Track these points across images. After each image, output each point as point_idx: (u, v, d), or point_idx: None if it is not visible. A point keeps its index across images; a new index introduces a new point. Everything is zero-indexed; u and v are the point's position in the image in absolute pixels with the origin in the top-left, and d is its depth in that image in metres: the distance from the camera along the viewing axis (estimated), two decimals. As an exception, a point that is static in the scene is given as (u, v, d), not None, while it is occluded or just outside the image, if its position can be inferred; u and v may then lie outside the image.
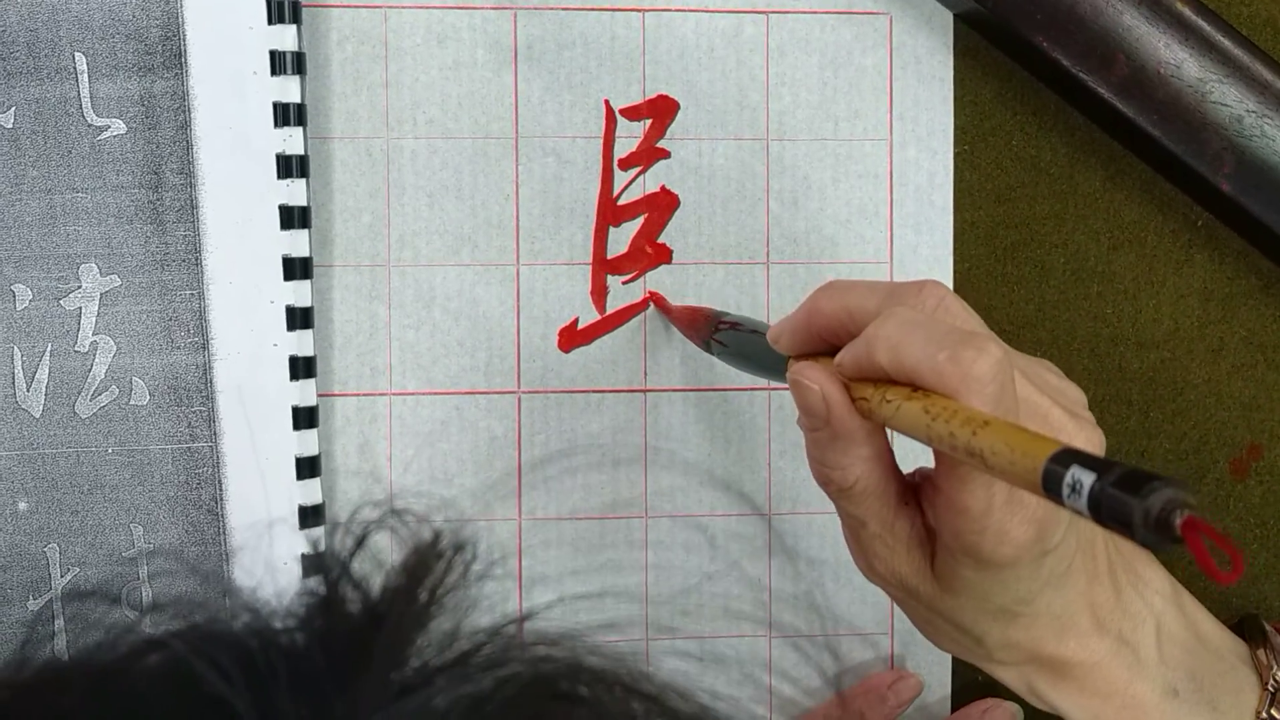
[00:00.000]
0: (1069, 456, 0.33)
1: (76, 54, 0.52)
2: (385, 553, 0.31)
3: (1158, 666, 0.48)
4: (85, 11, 0.52)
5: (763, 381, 0.57)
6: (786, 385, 0.45)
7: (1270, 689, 0.50)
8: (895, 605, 0.49)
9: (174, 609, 0.30)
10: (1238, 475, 0.59)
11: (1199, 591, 0.51)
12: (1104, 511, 0.31)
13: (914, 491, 0.45)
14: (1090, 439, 0.43)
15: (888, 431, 0.43)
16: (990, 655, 0.47)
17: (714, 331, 0.52)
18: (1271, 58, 0.55)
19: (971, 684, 0.60)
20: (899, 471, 0.44)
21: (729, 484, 0.58)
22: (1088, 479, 0.32)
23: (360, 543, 0.31)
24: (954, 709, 0.59)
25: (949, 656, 0.59)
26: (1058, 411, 0.43)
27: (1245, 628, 0.54)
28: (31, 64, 0.52)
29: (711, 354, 0.52)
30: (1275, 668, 0.51)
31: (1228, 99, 0.55)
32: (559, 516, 0.57)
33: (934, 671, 0.59)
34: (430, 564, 0.30)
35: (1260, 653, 0.52)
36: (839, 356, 0.42)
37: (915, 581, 0.45)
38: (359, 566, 0.30)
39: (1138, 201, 0.59)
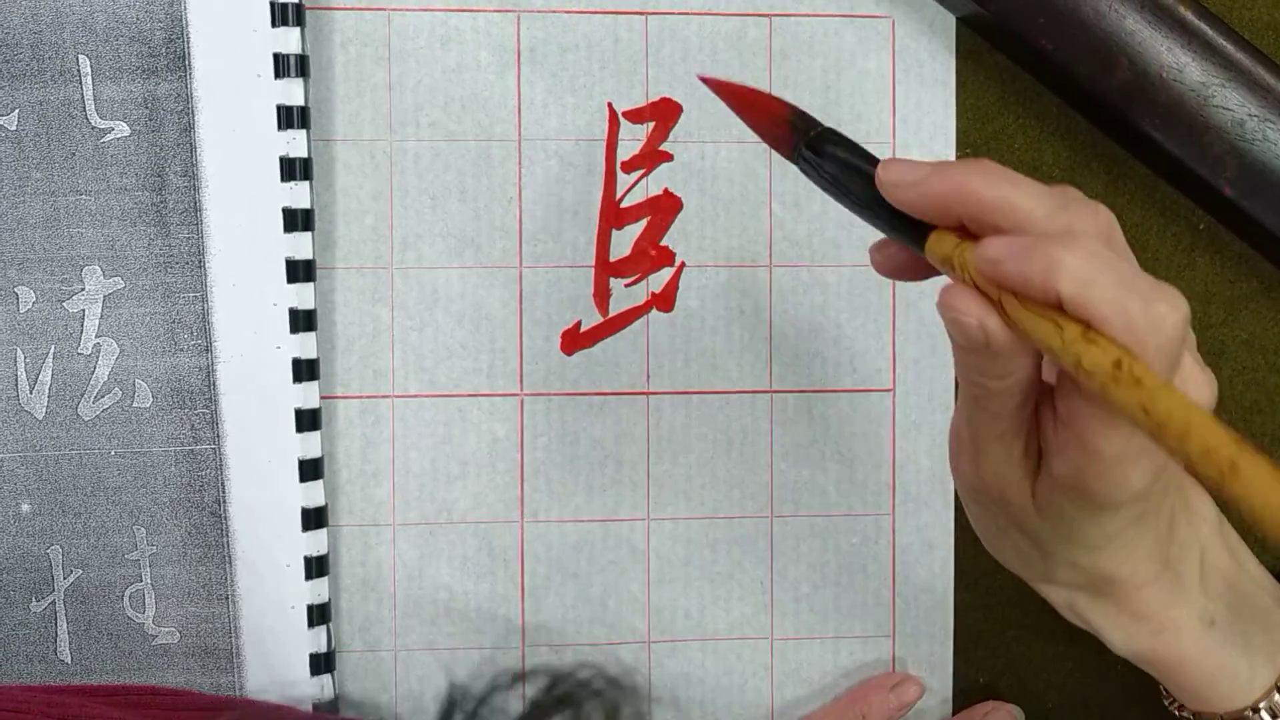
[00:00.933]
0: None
1: (80, 56, 0.52)
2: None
3: (1198, 594, 0.48)
4: (89, 14, 0.52)
5: (765, 384, 0.58)
6: (881, 231, 0.42)
7: None
8: (970, 506, 0.48)
9: None
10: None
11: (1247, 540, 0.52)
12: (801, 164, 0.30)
13: (1037, 407, 0.43)
14: (1210, 383, 0.42)
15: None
16: (1048, 573, 0.47)
17: (799, 136, 0.44)
18: (1274, 62, 0.55)
19: (973, 686, 0.60)
20: (1041, 378, 0.43)
21: (731, 486, 0.58)
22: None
23: (495, 689, 0.30)
24: (955, 711, 0.60)
25: (950, 660, 0.59)
26: (1189, 358, 0.41)
27: None
28: (35, 66, 0.52)
29: (796, 164, 0.45)
30: None
31: (1230, 103, 0.55)
32: (561, 519, 0.57)
33: (935, 674, 0.59)
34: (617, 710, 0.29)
35: None
36: (993, 252, 0.38)
37: (1013, 494, 0.44)
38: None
39: (1140, 205, 0.59)
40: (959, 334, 0.40)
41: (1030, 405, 0.43)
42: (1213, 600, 0.49)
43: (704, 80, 0.47)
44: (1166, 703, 0.54)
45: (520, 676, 0.30)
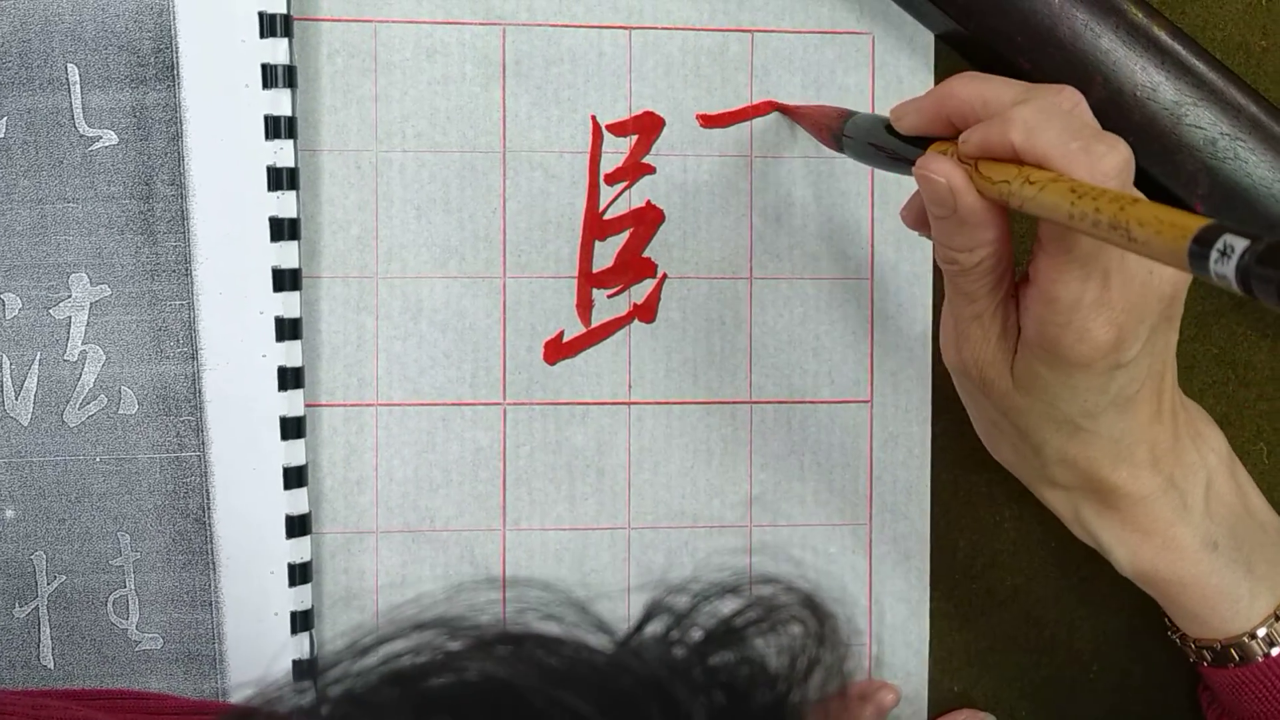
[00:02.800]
0: (1219, 229, 0.34)
1: (69, 65, 0.53)
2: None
3: (1202, 517, 0.50)
4: (78, 23, 0.52)
5: (745, 395, 0.58)
6: (909, 175, 0.46)
7: None
8: (965, 399, 0.51)
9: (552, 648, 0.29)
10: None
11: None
12: (1253, 277, 0.33)
13: (1014, 290, 0.47)
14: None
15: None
16: (1044, 469, 0.50)
17: (843, 124, 0.52)
18: (1245, 82, 0.56)
19: (948, 694, 0.60)
20: (1012, 261, 0.46)
21: (711, 496, 0.58)
22: (1239, 245, 0.33)
23: (701, 604, 0.30)
24: (930, 719, 0.60)
25: (925, 668, 0.60)
26: None
27: None
28: (24, 75, 0.52)
29: (842, 151, 0.53)
30: None
31: (1202, 122, 0.56)
32: (543, 527, 0.58)
33: (910, 682, 0.60)
34: (825, 639, 0.30)
35: None
36: (966, 134, 0.44)
37: (994, 373, 0.47)
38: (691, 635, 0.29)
39: (1114, 221, 0.60)
40: (929, 192, 0.45)
41: (1003, 288, 0.46)
42: (1216, 525, 0.50)
43: (776, 106, 0.58)
44: (1170, 633, 0.55)
45: (730, 589, 0.31)
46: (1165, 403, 0.49)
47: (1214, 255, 0.34)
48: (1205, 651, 0.53)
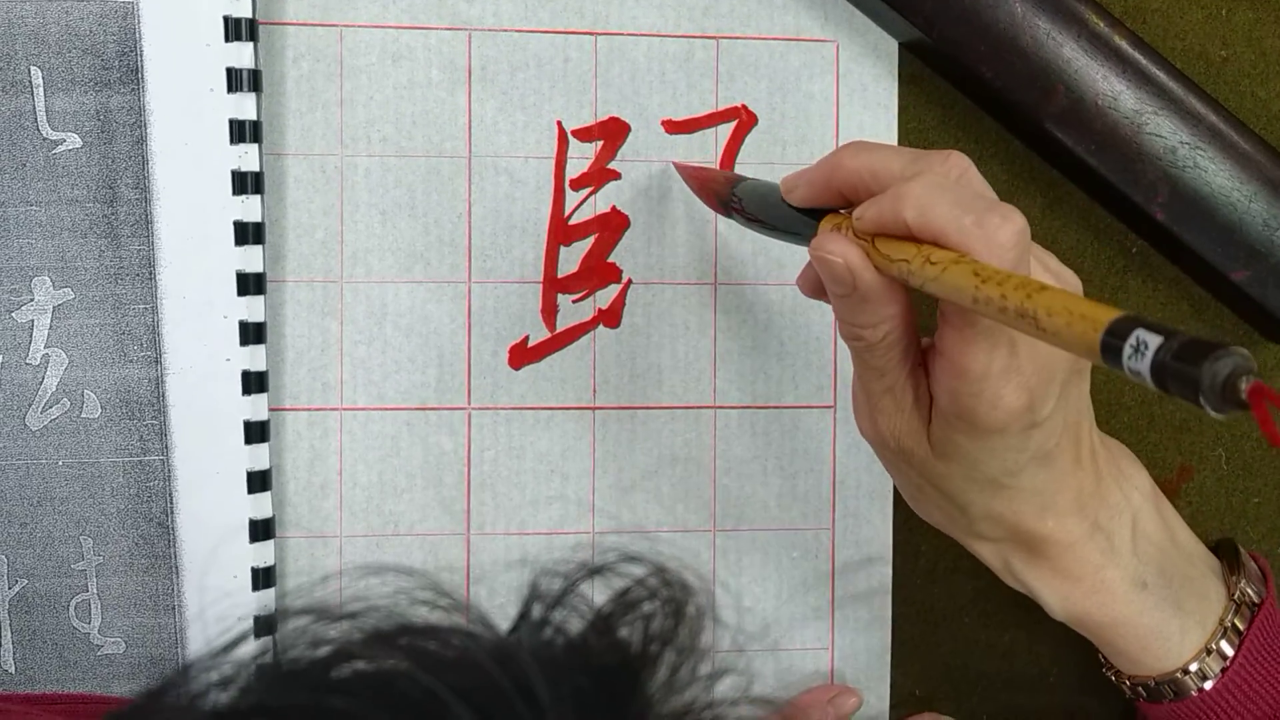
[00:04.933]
0: (1132, 322, 0.34)
1: (32, 68, 0.52)
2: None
3: (1130, 557, 0.50)
4: (41, 26, 0.52)
5: (709, 400, 0.58)
6: (804, 246, 0.46)
7: (1236, 600, 0.53)
8: (887, 467, 0.51)
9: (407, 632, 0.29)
10: (1169, 496, 0.61)
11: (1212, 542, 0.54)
12: (1169, 376, 0.32)
13: (922, 358, 0.47)
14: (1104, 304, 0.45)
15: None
16: (972, 526, 0.50)
17: (731, 191, 0.52)
18: (1205, 91, 0.57)
19: (910, 698, 0.61)
20: (917, 333, 0.47)
21: (675, 501, 0.59)
22: (1153, 341, 0.33)
23: (571, 587, 0.30)
24: (892, 722, 0.61)
25: (887, 672, 0.60)
26: (1039, 269, 0.46)
27: (1220, 550, 0.56)
28: (-13, 77, 0.52)
29: (730, 218, 0.53)
30: (1243, 583, 0.54)
31: (1162, 130, 0.56)
32: (506, 532, 0.58)
33: (872, 686, 0.60)
34: (681, 613, 0.30)
35: (1231, 572, 0.54)
36: (859, 211, 0.44)
37: (911, 443, 0.47)
38: (558, 615, 0.29)
39: (1075, 228, 0.60)
40: (827, 274, 0.44)
41: (910, 358, 0.46)
42: (1145, 564, 0.51)
43: (674, 163, 0.58)
44: (1104, 670, 0.55)
45: (595, 571, 0.31)
46: (1084, 448, 0.49)
47: (1127, 351, 0.33)
48: (1140, 688, 0.53)
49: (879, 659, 0.60)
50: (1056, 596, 0.51)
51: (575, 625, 0.29)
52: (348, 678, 0.27)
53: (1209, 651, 0.52)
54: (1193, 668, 0.52)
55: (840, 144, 0.59)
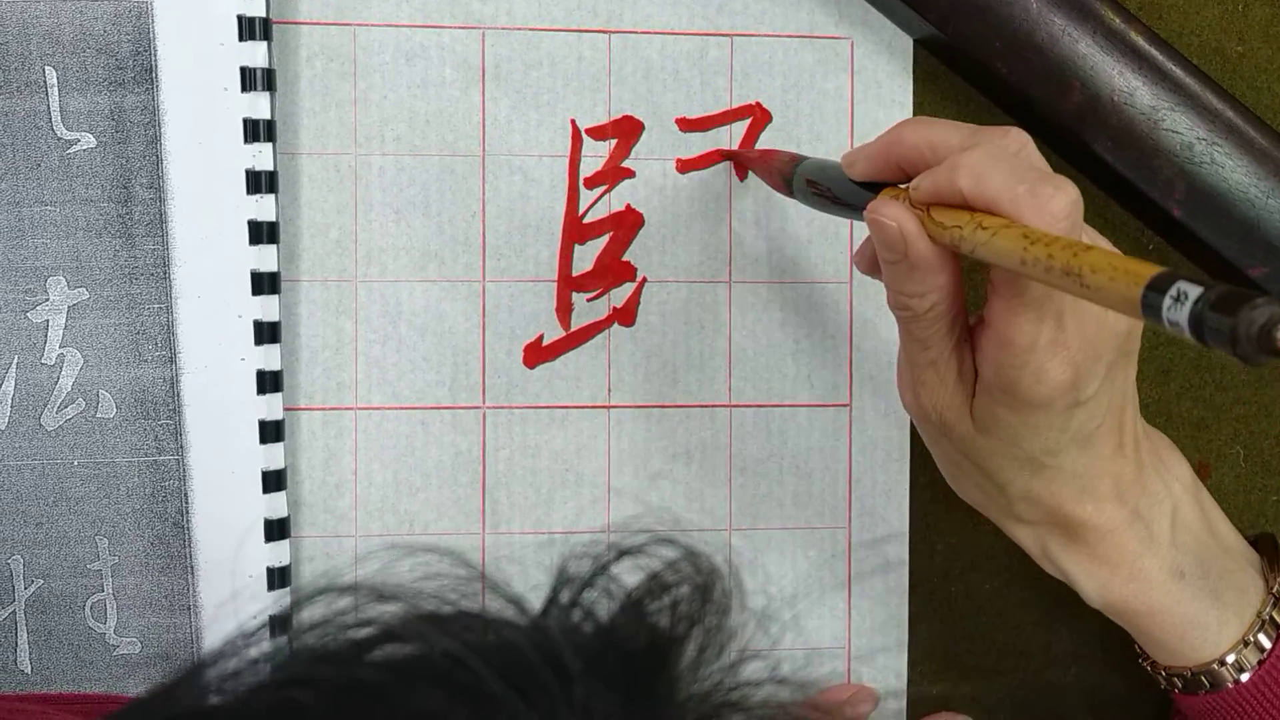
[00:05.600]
0: (1172, 276, 0.34)
1: (47, 68, 0.52)
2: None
3: (1168, 547, 0.50)
4: (56, 26, 0.52)
5: (724, 399, 0.58)
6: (862, 221, 0.46)
7: (1275, 594, 0.53)
8: (927, 443, 0.52)
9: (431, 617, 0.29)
10: (1200, 476, 0.61)
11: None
12: (1206, 326, 0.33)
13: (969, 333, 0.47)
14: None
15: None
16: (1010, 507, 0.50)
17: (794, 169, 0.53)
18: (1221, 87, 0.57)
19: (927, 697, 0.61)
20: (964, 307, 0.47)
21: (690, 499, 0.58)
22: (1192, 293, 0.33)
23: (602, 569, 0.30)
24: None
25: (904, 672, 0.60)
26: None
27: (1259, 544, 0.55)
28: (1, 77, 0.52)
29: (792, 196, 0.53)
30: None
31: (1179, 126, 0.56)
32: (522, 531, 0.58)
33: (889, 685, 0.60)
34: (709, 594, 0.30)
35: (1271, 566, 0.54)
36: (916, 181, 0.44)
37: (953, 417, 0.48)
38: (589, 595, 0.30)
39: (1091, 225, 0.60)
40: (880, 237, 0.45)
41: (956, 332, 0.47)
42: (1183, 554, 0.51)
43: (726, 155, 0.58)
44: (1140, 661, 0.55)
45: (623, 553, 0.31)
46: (1127, 435, 0.49)
47: (1167, 302, 0.34)
48: (1176, 679, 0.53)
49: (896, 657, 0.60)
50: (1093, 583, 0.51)
51: (605, 607, 0.29)
52: (382, 657, 0.27)
53: (1246, 644, 0.51)
54: (1229, 659, 0.51)
55: (855, 142, 0.59)
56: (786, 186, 0.53)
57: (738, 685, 0.28)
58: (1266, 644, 0.51)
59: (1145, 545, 0.50)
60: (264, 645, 0.29)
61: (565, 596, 0.29)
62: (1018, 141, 0.45)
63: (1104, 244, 0.48)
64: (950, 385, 0.47)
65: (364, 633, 0.28)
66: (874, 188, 0.47)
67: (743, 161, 0.58)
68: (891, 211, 0.44)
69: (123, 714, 0.28)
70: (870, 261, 0.48)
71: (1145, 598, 0.50)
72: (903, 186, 0.46)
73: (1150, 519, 0.50)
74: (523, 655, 0.26)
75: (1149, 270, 0.35)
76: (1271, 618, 0.52)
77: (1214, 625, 0.51)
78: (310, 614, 0.29)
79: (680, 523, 0.58)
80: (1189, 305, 0.33)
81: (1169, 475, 0.51)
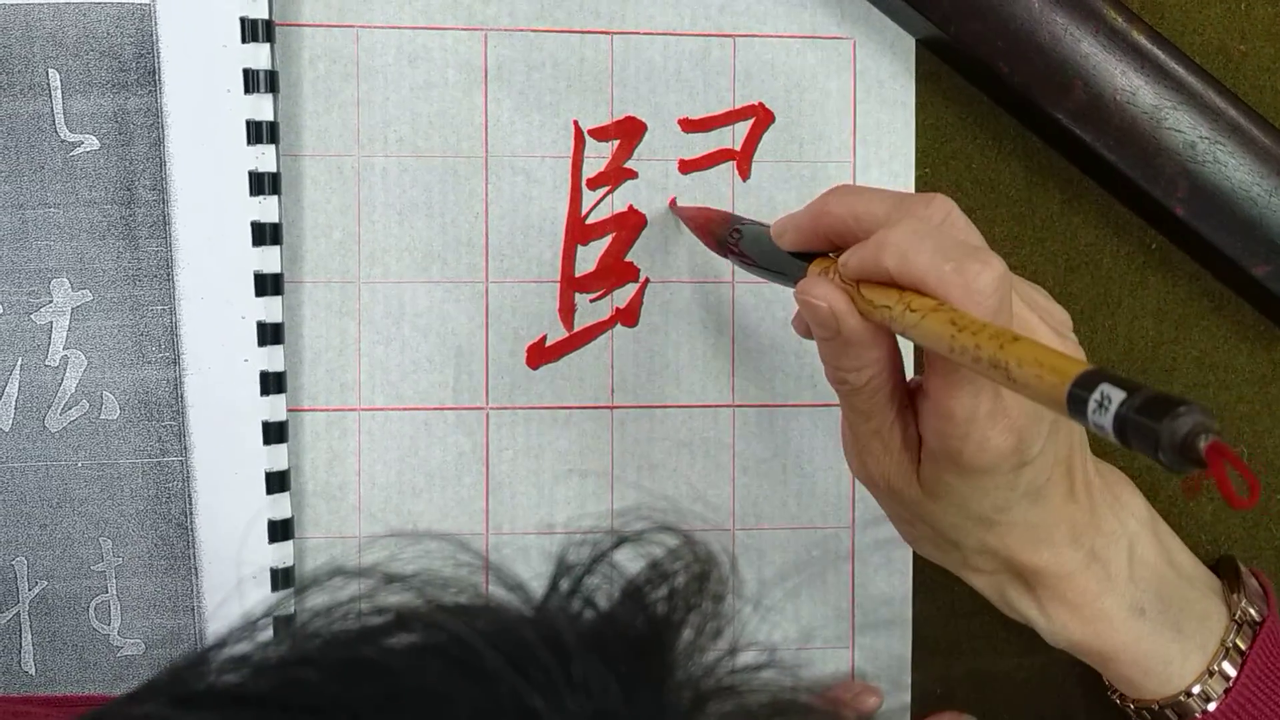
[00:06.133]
0: (1098, 376, 0.34)
1: (50, 70, 0.53)
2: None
3: (1127, 584, 0.50)
4: (59, 28, 0.52)
5: (727, 399, 0.58)
6: (795, 290, 0.46)
7: (1237, 620, 0.52)
8: (879, 504, 0.51)
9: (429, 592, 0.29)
10: (1190, 493, 0.61)
11: (1179, 532, 0.54)
12: (1130, 430, 0.33)
13: (910, 398, 0.47)
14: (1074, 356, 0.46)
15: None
16: (966, 561, 0.50)
17: (730, 233, 0.53)
18: (1224, 85, 0.57)
19: (931, 695, 0.61)
20: (903, 375, 0.47)
21: (693, 499, 0.59)
22: (1117, 396, 0.33)
23: (601, 557, 0.31)
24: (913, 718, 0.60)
25: (908, 670, 0.60)
26: (1045, 329, 0.46)
27: (1221, 568, 0.56)
28: (5, 80, 0.52)
29: (727, 258, 0.53)
30: (1244, 602, 0.53)
31: (1181, 125, 0.56)
32: (525, 531, 0.58)
33: (893, 684, 0.60)
34: (705, 581, 0.30)
35: (1232, 590, 0.54)
36: (844, 257, 0.44)
37: (901, 484, 0.48)
38: (591, 581, 0.30)
39: (1094, 224, 0.60)
40: (811, 317, 0.45)
41: (897, 400, 0.46)
42: (1142, 590, 0.51)
43: (671, 204, 0.58)
44: (1109, 694, 0.55)
45: (623, 540, 0.31)
46: (1078, 481, 0.49)
47: (1091, 405, 0.34)
48: (1145, 712, 0.53)
49: (899, 656, 0.60)
50: (1054, 626, 0.50)
51: (605, 595, 0.29)
52: (388, 639, 0.27)
53: (1211, 673, 0.51)
54: (1195, 690, 0.51)
55: (857, 142, 0.59)
56: (720, 248, 0.54)
57: (735, 670, 0.28)
58: (1232, 672, 0.51)
59: (1104, 585, 0.50)
60: (269, 631, 0.29)
61: (565, 584, 0.30)
62: (941, 211, 0.45)
63: (1046, 304, 0.48)
64: (895, 452, 0.47)
65: (372, 617, 0.28)
66: (806, 256, 0.47)
67: (680, 217, 0.57)
68: (821, 291, 0.44)
69: (135, 695, 0.28)
70: (806, 327, 0.48)
71: (1107, 637, 0.50)
72: (832, 256, 0.46)
73: (1107, 559, 0.50)
74: (523, 637, 0.27)
75: (1074, 368, 0.35)
76: (1235, 645, 0.52)
77: (1178, 658, 0.51)
78: (318, 599, 0.29)
79: (682, 514, 0.57)
80: (1113, 408, 0.33)
81: (1124, 512, 0.51)
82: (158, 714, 0.27)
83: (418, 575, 0.30)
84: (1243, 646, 0.52)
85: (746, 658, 0.29)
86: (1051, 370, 0.35)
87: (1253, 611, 0.53)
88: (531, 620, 0.28)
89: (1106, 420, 0.33)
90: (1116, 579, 0.50)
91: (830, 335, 0.45)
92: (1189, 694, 0.51)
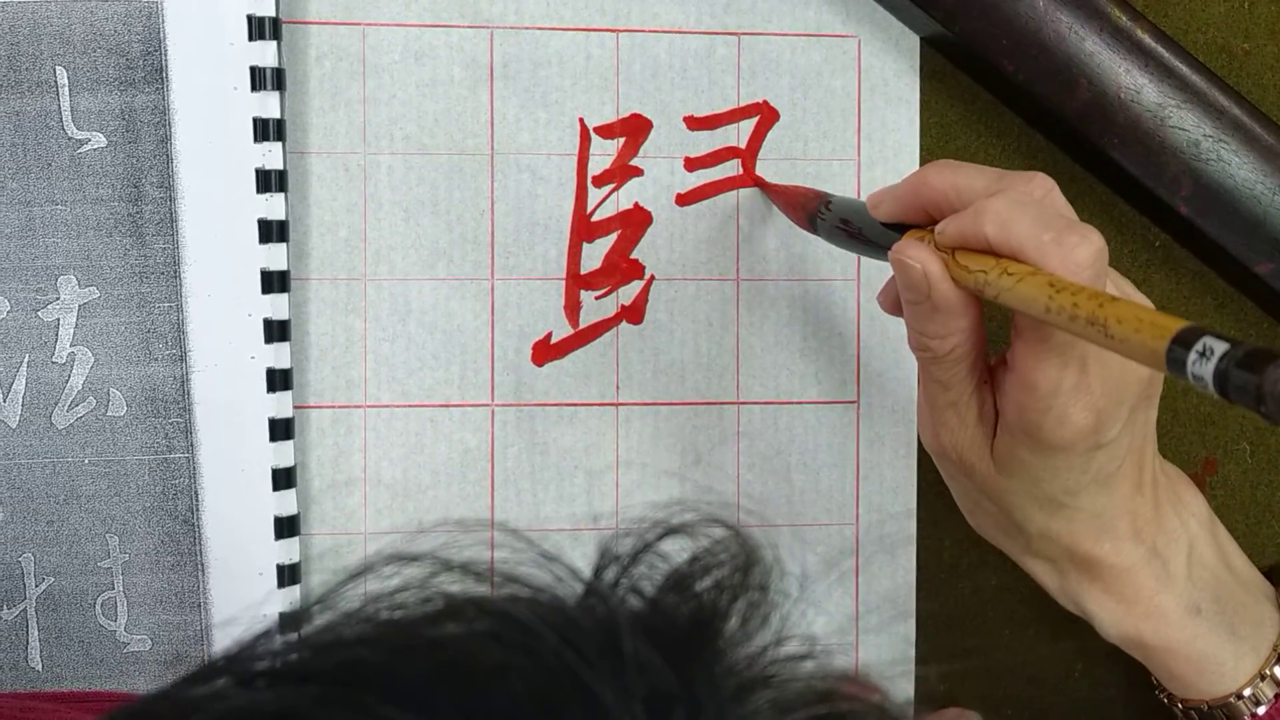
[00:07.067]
0: (1198, 332, 0.34)
1: (57, 68, 0.53)
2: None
3: (1185, 583, 0.51)
4: (66, 26, 0.53)
5: (732, 396, 0.59)
6: (887, 261, 0.47)
7: None
8: (946, 479, 0.52)
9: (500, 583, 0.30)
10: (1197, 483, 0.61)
11: (1236, 535, 0.54)
12: (1231, 383, 0.33)
13: (990, 373, 0.47)
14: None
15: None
16: (1028, 545, 0.50)
17: (819, 206, 0.53)
18: (1227, 84, 0.57)
19: (935, 693, 0.61)
20: (985, 349, 0.47)
21: (698, 496, 0.59)
22: (1219, 348, 0.33)
23: (647, 547, 0.31)
24: (917, 717, 0.60)
25: (912, 668, 0.60)
26: (1115, 289, 0.46)
27: (1274, 575, 0.56)
28: (12, 77, 0.52)
29: (816, 233, 0.54)
30: None
31: (1185, 124, 0.56)
32: (530, 528, 0.58)
33: (896, 682, 0.60)
34: (750, 571, 0.31)
35: None
36: (941, 225, 0.45)
37: (974, 457, 0.48)
38: (639, 570, 0.30)
39: (1098, 222, 0.60)
40: (904, 278, 0.45)
41: (976, 374, 0.47)
42: (1199, 590, 0.51)
43: (757, 183, 0.58)
44: (1157, 693, 0.55)
45: (669, 531, 0.32)
46: (1146, 474, 0.49)
47: (1192, 357, 0.34)
48: (1193, 712, 0.53)
49: (903, 653, 0.60)
50: (1110, 618, 0.51)
51: (650, 584, 0.30)
52: (445, 622, 0.28)
53: (1263, 677, 0.52)
54: (1246, 693, 0.52)
55: (861, 140, 0.59)
56: (810, 223, 0.54)
57: (779, 660, 0.29)
58: None
59: (1162, 582, 0.50)
60: (326, 617, 0.30)
61: (611, 573, 0.30)
62: (1042, 187, 0.45)
63: (1131, 292, 0.48)
64: (971, 426, 0.48)
65: (428, 602, 0.29)
66: (899, 228, 0.48)
67: (769, 194, 0.58)
68: (916, 253, 0.45)
69: (192, 677, 0.28)
70: (893, 301, 0.49)
71: (1162, 634, 0.51)
72: (928, 229, 0.46)
73: (1167, 556, 0.50)
74: (576, 618, 0.27)
75: (1175, 324, 0.35)
76: None
77: (1230, 660, 0.51)
78: (374, 585, 0.30)
79: (728, 508, 0.58)
80: (1214, 361, 0.33)
81: (1185, 512, 0.51)
82: (216, 693, 0.27)
83: (471, 562, 0.30)
84: None
85: (789, 648, 0.30)
86: (1151, 326, 0.36)
87: None
88: (583, 604, 0.29)
89: (1207, 373, 0.34)
90: (1175, 577, 0.50)
91: (921, 299, 0.45)
92: (1239, 696, 0.52)
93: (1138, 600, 0.50)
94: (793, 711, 0.28)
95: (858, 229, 0.50)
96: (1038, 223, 0.42)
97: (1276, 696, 0.52)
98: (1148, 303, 0.48)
